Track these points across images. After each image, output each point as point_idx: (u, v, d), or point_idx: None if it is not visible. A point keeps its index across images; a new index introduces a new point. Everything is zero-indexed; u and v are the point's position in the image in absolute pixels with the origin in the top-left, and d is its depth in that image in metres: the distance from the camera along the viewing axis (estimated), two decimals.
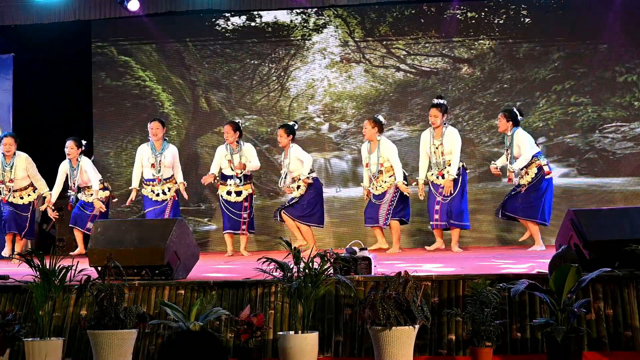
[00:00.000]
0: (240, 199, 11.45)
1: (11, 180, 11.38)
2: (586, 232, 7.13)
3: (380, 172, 11.06)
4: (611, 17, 13.08)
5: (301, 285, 6.47)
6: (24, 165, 11.46)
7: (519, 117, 11.00)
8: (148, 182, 11.61)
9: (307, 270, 6.50)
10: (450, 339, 6.71)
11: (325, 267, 6.60)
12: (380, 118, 11.26)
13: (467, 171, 11.36)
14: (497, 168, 11.03)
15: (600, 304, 6.68)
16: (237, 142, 11.46)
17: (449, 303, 6.81)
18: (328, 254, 6.73)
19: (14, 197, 11.49)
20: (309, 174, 11.25)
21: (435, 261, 9.18)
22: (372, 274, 7.20)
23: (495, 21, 13.44)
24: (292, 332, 6.54)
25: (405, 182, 10.99)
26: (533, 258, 8.86)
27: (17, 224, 11.47)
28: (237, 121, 11.72)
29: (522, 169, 10.80)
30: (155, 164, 11.51)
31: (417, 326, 6.24)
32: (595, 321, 6.60)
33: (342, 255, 7.21)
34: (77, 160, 11.60)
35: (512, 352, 6.61)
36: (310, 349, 6.44)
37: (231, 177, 11.46)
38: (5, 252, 11.50)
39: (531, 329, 6.60)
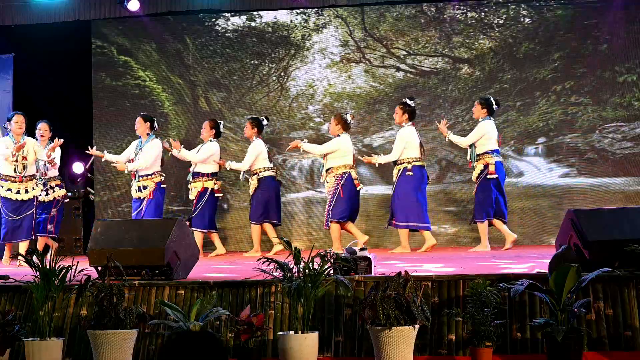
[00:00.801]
0: (191, 196, 11.66)
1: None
2: (586, 232, 7.13)
3: (326, 170, 11.25)
4: (611, 17, 13.09)
5: (301, 285, 6.47)
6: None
7: (494, 107, 11.08)
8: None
9: (307, 270, 6.50)
10: (450, 339, 6.71)
11: (326, 267, 6.60)
12: (347, 116, 11.35)
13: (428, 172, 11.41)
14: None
15: (600, 304, 6.68)
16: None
17: (449, 303, 6.81)
18: (328, 254, 6.73)
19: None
20: (255, 173, 11.52)
21: (435, 261, 9.17)
22: (372, 274, 7.20)
23: (495, 21, 13.44)
24: (292, 332, 6.54)
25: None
26: (533, 258, 8.86)
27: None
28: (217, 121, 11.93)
29: (474, 161, 10.93)
30: (134, 159, 11.43)
31: (417, 326, 6.24)
32: (595, 321, 6.60)
33: (342, 255, 7.21)
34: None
35: (512, 352, 6.61)
36: (310, 349, 6.44)
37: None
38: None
39: (531, 329, 6.59)
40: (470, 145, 10.99)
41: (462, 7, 13.49)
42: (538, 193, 13.14)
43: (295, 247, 6.67)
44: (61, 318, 7.16)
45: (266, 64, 14.02)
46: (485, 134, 10.89)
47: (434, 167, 13.36)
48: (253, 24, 14.07)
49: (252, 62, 14.06)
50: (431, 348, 6.69)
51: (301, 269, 6.54)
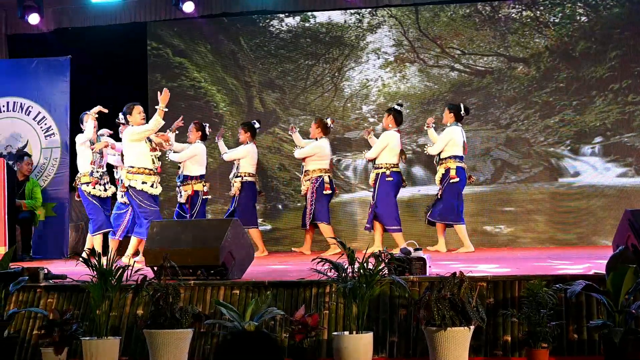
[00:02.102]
0: (182, 199, 11.49)
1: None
2: None
3: (304, 172, 11.58)
4: None
5: (356, 285, 6.46)
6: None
7: (462, 113, 11.18)
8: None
9: (361, 271, 6.49)
10: (505, 340, 6.67)
11: (380, 267, 6.59)
12: (327, 120, 11.65)
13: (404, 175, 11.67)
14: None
15: None
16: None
17: (505, 304, 6.76)
18: (383, 254, 6.72)
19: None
20: (239, 175, 11.63)
21: (491, 262, 9.12)
22: (427, 274, 7.17)
23: (551, 19, 13.33)
24: (346, 333, 6.53)
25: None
26: (590, 259, 8.78)
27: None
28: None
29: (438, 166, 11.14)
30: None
31: (472, 327, 6.20)
32: None
33: (397, 255, 7.20)
34: None
35: (568, 353, 6.55)
36: (365, 349, 6.43)
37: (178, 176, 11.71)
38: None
39: (588, 331, 6.53)
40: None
41: (517, 6, 13.40)
42: (594, 193, 13.01)
43: (349, 248, 6.68)
44: (118, 317, 7.23)
45: (320, 65, 14.04)
46: (451, 140, 11.03)
47: (488, 167, 13.28)
48: (307, 24, 14.10)
49: (306, 62, 14.09)
50: (486, 349, 6.65)
51: (356, 269, 6.53)
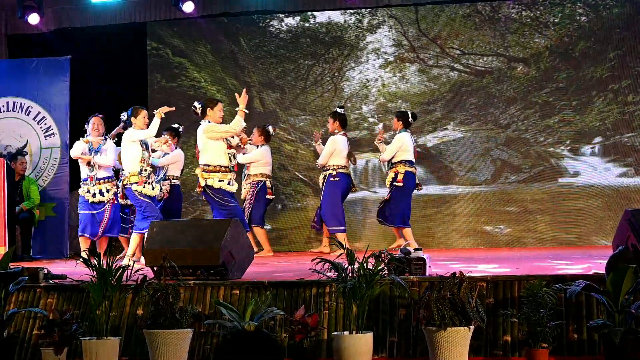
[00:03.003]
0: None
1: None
2: None
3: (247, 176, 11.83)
4: None
5: (356, 285, 6.46)
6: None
7: (410, 120, 11.58)
8: (84, 182, 11.06)
9: (361, 271, 6.49)
10: (505, 340, 6.67)
11: (380, 267, 6.59)
12: (269, 128, 11.93)
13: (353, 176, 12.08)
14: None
15: None
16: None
17: (505, 304, 6.76)
18: (382, 255, 6.72)
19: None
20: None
21: (491, 262, 9.13)
22: (427, 274, 7.17)
23: (551, 20, 13.33)
24: (346, 333, 6.53)
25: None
26: (589, 259, 8.78)
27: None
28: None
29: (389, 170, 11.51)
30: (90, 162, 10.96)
31: (472, 327, 6.21)
32: None
33: (397, 255, 7.20)
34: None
35: (568, 353, 6.55)
36: (365, 349, 6.44)
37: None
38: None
39: (588, 331, 6.53)
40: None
41: (516, 6, 13.40)
42: (594, 193, 13.01)
43: (348, 248, 6.68)
44: (118, 317, 7.22)
45: (320, 65, 14.04)
46: (401, 146, 11.36)
47: (489, 167, 13.28)
48: (307, 24, 14.10)
49: (306, 62, 14.09)
50: (486, 349, 6.65)
51: (355, 270, 6.53)
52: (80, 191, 11.14)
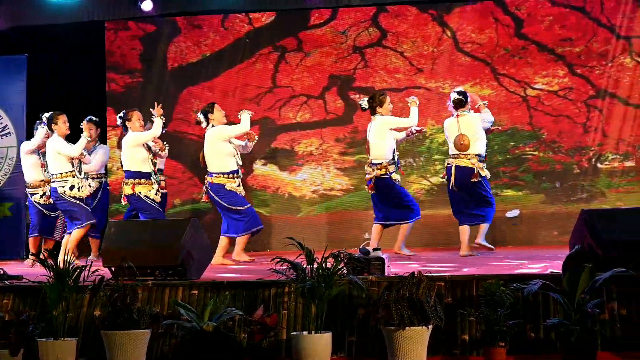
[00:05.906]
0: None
1: None
2: (600, 232, 7.11)
3: None
4: None
5: (314, 285, 6.48)
6: None
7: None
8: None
9: (320, 271, 6.50)
10: (464, 339, 6.71)
11: (339, 267, 6.60)
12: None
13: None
14: None
15: (614, 304, 6.66)
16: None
17: (463, 303, 6.80)
18: (342, 254, 6.74)
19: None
20: None
21: (449, 261, 9.17)
22: (386, 274, 7.20)
23: None
24: (305, 332, 6.54)
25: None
26: (547, 259, 8.84)
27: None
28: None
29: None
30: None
31: (430, 326, 6.24)
32: (609, 321, 6.58)
33: (356, 255, 7.22)
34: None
35: (526, 352, 6.60)
36: (324, 349, 6.45)
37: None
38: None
39: (545, 329, 6.59)
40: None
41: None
42: None
43: (307, 247, 6.68)
44: (75, 318, 7.19)
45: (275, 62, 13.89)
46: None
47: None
48: (263, 22, 13.97)
49: (259, 62, 13.91)
50: (445, 348, 6.69)
51: (314, 269, 6.54)
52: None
